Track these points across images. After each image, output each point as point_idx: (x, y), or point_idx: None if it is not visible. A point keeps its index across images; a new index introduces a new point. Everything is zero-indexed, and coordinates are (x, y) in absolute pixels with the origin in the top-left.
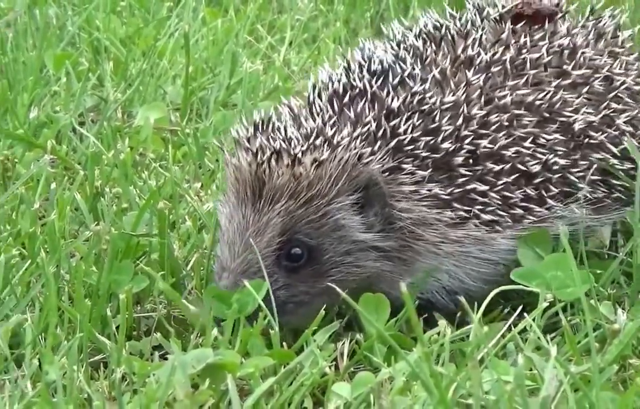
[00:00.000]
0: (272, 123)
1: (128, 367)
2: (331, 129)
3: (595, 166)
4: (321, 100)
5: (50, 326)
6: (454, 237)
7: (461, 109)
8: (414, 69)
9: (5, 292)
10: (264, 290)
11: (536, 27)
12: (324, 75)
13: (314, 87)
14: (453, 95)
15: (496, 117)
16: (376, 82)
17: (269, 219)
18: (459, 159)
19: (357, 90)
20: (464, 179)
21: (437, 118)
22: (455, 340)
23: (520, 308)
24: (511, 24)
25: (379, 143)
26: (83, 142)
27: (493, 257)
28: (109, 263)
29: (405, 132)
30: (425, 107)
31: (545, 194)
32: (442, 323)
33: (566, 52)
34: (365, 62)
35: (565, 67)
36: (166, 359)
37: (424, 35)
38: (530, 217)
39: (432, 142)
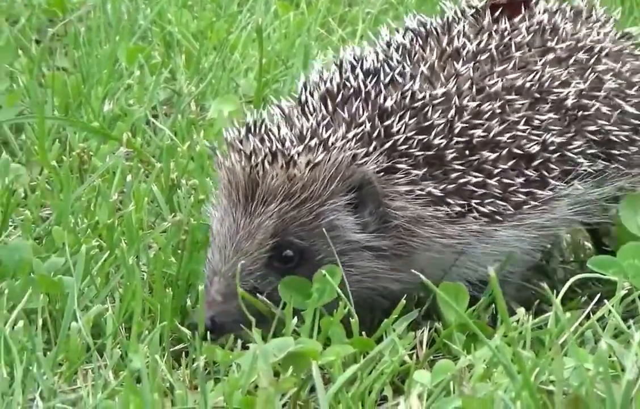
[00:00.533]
0: (265, 124)
1: (210, 356)
2: (325, 129)
3: (592, 138)
4: (313, 99)
5: (135, 314)
6: (450, 232)
7: (453, 101)
8: (403, 67)
9: (85, 283)
10: (338, 277)
11: (512, 16)
12: (315, 75)
13: (305, 86)
14: (444, 88)
15: (488, 105)
16: (369, 81)
17: (260, 222)
18: (452, 153)
19: (351, 90)
20: (458, 173)
21: (429, 114)
22: (534, 328)
23: (597, 296)
24: (490, 15)
25: (373, 144)
26: (157, 135)
27: (495, 250)
28: (188, 254)
29: (399, 131)
30: (417, 104)
31: (547, 175)
32: (521, 310)
33: (548, 28)
34: (357, 61)
35: (549, 43)
36: (247, 348)
37: (410, 33)
38: (533, 202)
39: (425, 139)
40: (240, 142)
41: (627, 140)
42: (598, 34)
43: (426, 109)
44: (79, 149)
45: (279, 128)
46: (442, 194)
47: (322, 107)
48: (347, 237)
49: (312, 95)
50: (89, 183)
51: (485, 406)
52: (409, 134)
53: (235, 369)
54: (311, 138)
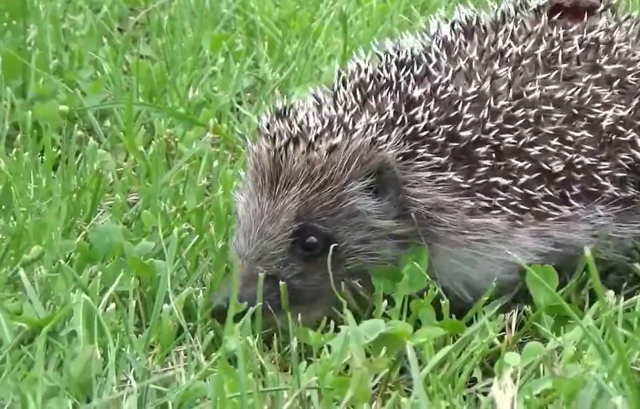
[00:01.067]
0: (294, 111)
1: (303, 338)
2: (350, 116)
3: (623, 164)
4: (345, 89)
5: (232, 296)
6: (472, 224)
7: (487, 102)
8: (440, 60)
9: (174, 267)
10: (424, 259)
11: (573, 22)
12: (353, 65)
13: (339, 75)
14: (478, 86)
15: (523, 111)
16: (403, 73)
17: (283, 206)
18: (481, 151)
19: (384, 81)
20: (485, 170)
21: (458, 107)
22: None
23: None
24: (548, 16)
25: (395, 129)
26: (242, 122)
27: (508, 253)
28: None
29: (422, 119)
30: (445, 96)
31: (568, 195)
32: (610, 293)
33: (602, 46)
34: (395, 52)
35: (598, 61)
36: (338, 331)
37: (458, 26)
38: (555, 214)
39: (451, 129)
40: (267, 127)
41: None
42: None
43: (455, 103)
44: (167, 134)
45: (307, 115)
46: (469, 187)
47: (353, 97)
48: (370, 224)
49: (344, 85)
50: (176, 168)
51: (577, 387)
52: (432, 122)
53: (327, 351)
54: (335, 124)
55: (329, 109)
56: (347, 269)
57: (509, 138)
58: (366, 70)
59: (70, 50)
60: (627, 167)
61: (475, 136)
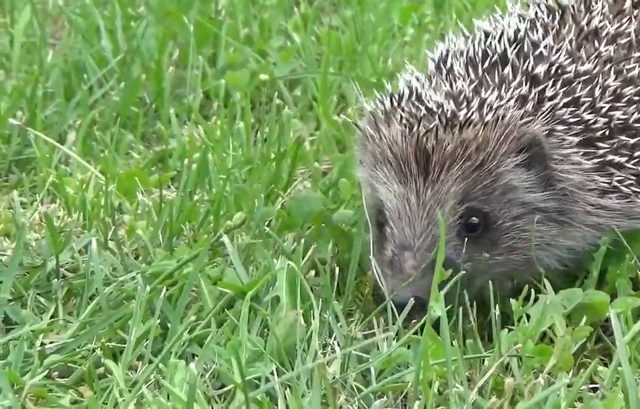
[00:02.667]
0: (414, 92)
1: (501, 307)
2: (478, 92)
3: None
4: (455, 66)
5: (438, 263)
6: (604, 204)
7: (596, 80)
8: (542, 39)
9: None
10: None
11: None
12: (446, 44)
13: (446, 53)
14: (586, 65)
15: (629, 89)
16: (513, 50)
17: (447, 189)
18: (598, 131)
19: (496, 56)
20: (603, 150)
21: (577, 88)
22: None
23: None
24: None
25: (530, 105)
26: None
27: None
28: None
29: (552, 97)
30: (566, 76)
31: None
32: None
33: None
34: (495, 32)
35: None
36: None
37: (546, 8)
38: None
39: (575, 111)
40: (394, 111)
41: None
42: None
43: (574, 84)
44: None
45: (428, 95)
46: (591, 167)
47: (468, 73)
48: (522, 199)
49: (456, 60)
50: None
51: None
52: (561, 101)
53: (525, 320)
54: (469, 100)
55: (445, 85)
56: (504, 247)
57: (618, 114)
58: (473, 49)
59: (260, 20)
60: None
61: (594, 117)
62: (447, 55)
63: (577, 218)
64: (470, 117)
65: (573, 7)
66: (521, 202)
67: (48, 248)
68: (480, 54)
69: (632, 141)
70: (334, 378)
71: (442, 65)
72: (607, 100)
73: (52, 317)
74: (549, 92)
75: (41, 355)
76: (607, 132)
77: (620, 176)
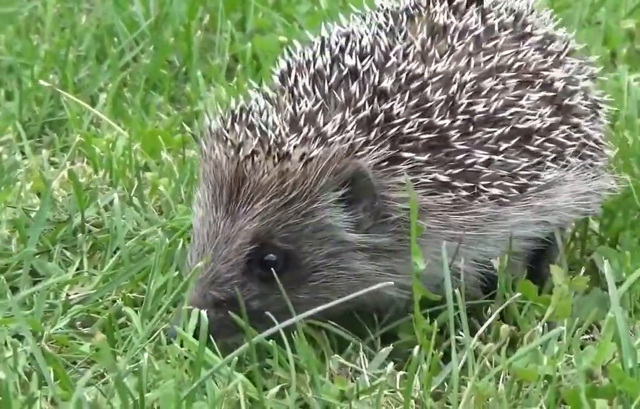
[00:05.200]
0: (253, 111)
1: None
2: (321, 115)
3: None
4: (304, 80)
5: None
6: (457, 221)
7: (453, 78)
8: (394, 42)
9: None
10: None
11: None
12: (297, 54)
13: (289, 66)
14: (440, 64)
15: (486, 82)
16: (364, 61)
17: (242, 225)
18: (456, 132)
19: (345, 70)
20: (462, 153)
21: (428, 93)
22: None
23: None
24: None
25: (375, 130)
26: None
27: (504, 234)
28: None
29: (399, 115)
30: (415, 83)
31: (544, 157)
32: None
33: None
34: (342, 39)
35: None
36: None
37: (392, 11)
38: (536, 183)
39: (426, 121)
40: (227, 131)
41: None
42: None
43: (426, 89)
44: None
45: (269, 117)
46: (448, 179)
47: (315, 89)
48: (339, 237)
49: (301, 75)
50: None
51: None
52: (411, 117)
53: None
54: (305, 126)
55: (291, 106)
56: (313, 286)
57: (479, 107)
58: (321, 59)
59: None
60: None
61: (449, 120)
62: (290, 69)
63: (421, 245)
64: (290, 149)
65: (417, 5)
66: (338, 241)
67: (74, 204)
68: (328, 68)
69: (497, 131)
70: None
71: (287, 80)
72: (466, 95)
73: (77, 270)
74: (396, 109)
75: (65, 306)
76: (469, 128)
77: (486, 177)
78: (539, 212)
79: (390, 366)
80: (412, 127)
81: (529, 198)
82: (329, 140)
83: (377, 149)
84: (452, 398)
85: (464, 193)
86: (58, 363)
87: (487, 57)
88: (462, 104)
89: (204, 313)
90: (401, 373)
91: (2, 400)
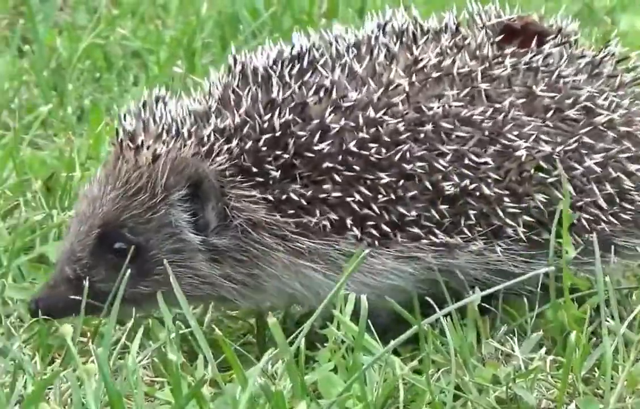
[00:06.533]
0: (162, 104)
1: None
2: (194, 119)
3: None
4: (219, 82)
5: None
6: (307, 246)
7: (336, 104)
8: (325, 60)
9: None
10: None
11: (523, 48)
12: (249, 54)
13: (229, 68)
14: (363, 94)
15: (416, 126)
16: (287, 69)
17: (96, 207)
18: (338, 164)
19: (260, 77)
20: (339, 184)
21: (328, 116)
22: None
23: None
24: (499, 38)
25: (237, 139)
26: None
27: (369, 279)
28: None
29: (281, 127)
30: (297, 108)
31: (462, 222)
32: None
33: (541, 73)
34: (289, 48)
35: (534, 87)
36: None
37: (389, 28)
38: (431, 238)
39: (305, 140)
40: (125, 117)
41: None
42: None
43: (327, 110)
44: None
45: (170, 110)
46: (308, 203)
47: (222, 92)
48: (181, 235)
49: (227, 77)
50: None
51: None
52: (291, 132)
53: None
54: (171, 128)
55: (197, 102)
56: (156, 279)
57: (379, 150)
58: (250, 64)
59: None
60: (542, 208)
61: (339, 148)
62: (231, 69)
63: (259, 257)
64: (147, 143)
65: (415, 34)
66: (181, 238)
67: None
68: (238, 75)
69: (387, 179)
70: None
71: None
72: (370, 132)
73: None
74: (276, 120)
75: None
76: (355, 167)
77: (361, 216)
78: (422, 266)
79: (542, 350)
80: (280, 143)
81: (414, 249)
82: (177, 142)
83: (230, 158)
84: (605, 383)
85: (325, 222)
86: (227, 346)
87: (439, 102)
88: (356, 139)
89: (363, 297)
90: (551, 357)
91: (173, 380)
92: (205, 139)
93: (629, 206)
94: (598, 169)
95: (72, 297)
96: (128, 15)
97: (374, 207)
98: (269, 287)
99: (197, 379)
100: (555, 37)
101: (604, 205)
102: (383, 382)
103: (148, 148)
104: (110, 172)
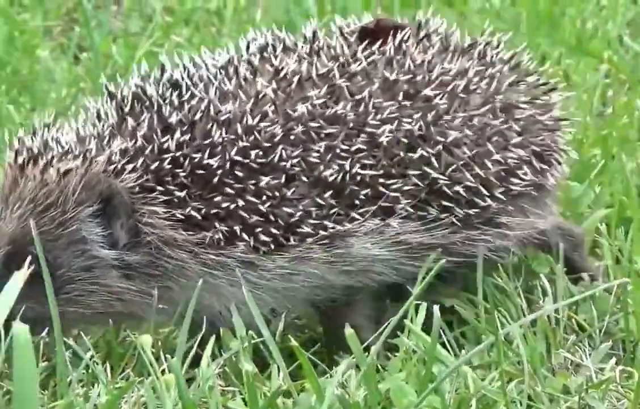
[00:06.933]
0: (57, 127)
1: None
2: (102, 138)
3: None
4: (111, 104)
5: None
6: (211, 260)
7: (243, 120)
8: (204, 79)
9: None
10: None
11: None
12: (132, 79)
13: (120, 87)
14: (236, 105)
15: (287, 129)
16: (169, 93)
17: (3, 226)
18: (228, 175)
19: (147, 101)
20: (231, 195)
21: (211, 131)
22: None
23: None
24: (358, 40)
25: (140, 159)
26: (628, 53)
27: (274, 284)
28: None
29: (169, 149)
30: (201, 119)
31: (351, 207)
32: None
33: (396, 59)
34: (164, 72)
35: (389, 74)
36: None
37: (253, 49)
38: (321, 233)
39: (197, 159)
40: (19, 141)
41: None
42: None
43: (209, 126)
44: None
45: (61, 133)
46: (204, 218)
47: (114, 114)
48: (92, 252)
49: (111, 99)
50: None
51: None
52: (184, 153)
53: None
54: (80, 146)
55: (91, 123)
56: (67, 297)
57: (258, 155)
58: (136, 85)
59: None
60: (424, 186)
61: (224, 160)
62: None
63: (171, 273)
64: (54, 159)
65: (278, 48)
66: (92, 255)
67: None
68: (134, 96)
69: (272, 181)
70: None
71: (107, 99)
72: (251, 140)
73: None
74: (172, 143)
75: None
76: (242, 174)
77: (253, 223)
78: (321, 262)
79: (612, 361)
80: (181, 162)
81: (307, 248)
82: (88, 158)
83: (137, 176)
84: None
85: (219, 236)
86: (303, 355)
87: (304, 104)
88: (238, 148)
89: (436, 308)
90: (620, 367)
91: (248, 391)
92: (113, 157)
93: (516, 180)
94: (465, 139)
95: None
96: (181, 23)
97: (262, 210)
98: (181, 301)
99: (272, 390)
100: (410, 28)
101: (483, 174)
102: (454, 392)
103: (52, 166)
104: (10, 193)
